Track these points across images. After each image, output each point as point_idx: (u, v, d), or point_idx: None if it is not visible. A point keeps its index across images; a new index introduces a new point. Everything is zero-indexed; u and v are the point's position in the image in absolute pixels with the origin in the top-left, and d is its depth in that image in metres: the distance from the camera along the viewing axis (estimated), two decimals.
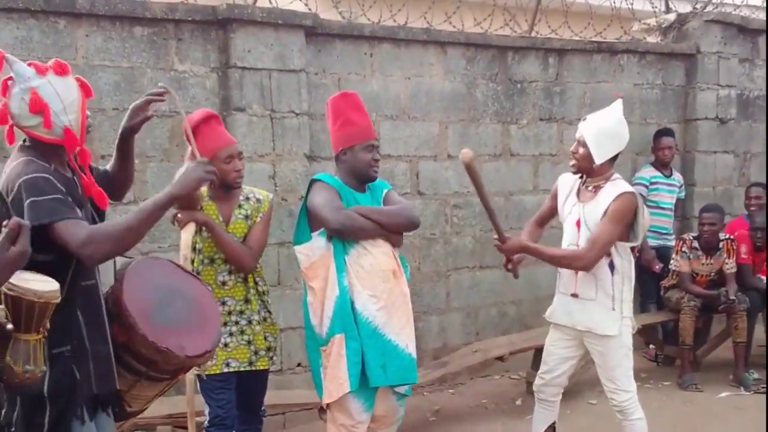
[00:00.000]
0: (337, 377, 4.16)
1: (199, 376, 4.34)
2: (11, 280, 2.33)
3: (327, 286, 4.20)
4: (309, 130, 6.25)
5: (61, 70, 3.02)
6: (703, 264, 7.35)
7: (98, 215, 3.24)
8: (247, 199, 4.47)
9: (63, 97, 2.99)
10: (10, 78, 2.98)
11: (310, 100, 6.28)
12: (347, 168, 4.34)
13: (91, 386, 3.04)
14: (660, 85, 8.41)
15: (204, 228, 4.27)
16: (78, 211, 2.94)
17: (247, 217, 4.42)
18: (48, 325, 2.47)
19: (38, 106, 2.92)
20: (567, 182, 4.75)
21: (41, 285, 2.41)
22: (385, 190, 4.49)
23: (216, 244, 4.31)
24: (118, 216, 5.28)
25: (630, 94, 8.12)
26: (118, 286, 3.08)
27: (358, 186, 4.37)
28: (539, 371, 4.89)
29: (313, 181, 4.36)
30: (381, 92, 6.77)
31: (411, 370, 4.31)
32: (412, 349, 4.32)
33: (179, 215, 4.22)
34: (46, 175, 2.90)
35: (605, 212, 4.45)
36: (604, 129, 4.50)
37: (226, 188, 4.35)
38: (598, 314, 4.54)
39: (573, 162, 4.60)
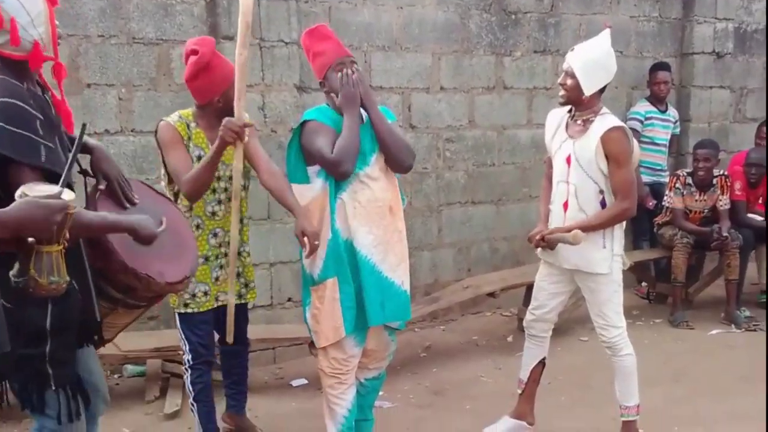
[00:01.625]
0: (332, 321, 4.12)
1: (178, 311, 4.27)
2: (27, 192, 2.33)
3: (321, 228, 4.10)
4: (299, 60, 6.05)
5: None
6: (696, 200, 7.27)
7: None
8: None
9: (29, 9, 2.79)
10: None
11: (300, 29, 6.06)
12: (332, 93, 4.20)
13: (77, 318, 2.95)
14: (656, 17, 8.23)
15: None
16: (48, 145, 2.75)
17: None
18: (68, 236, 2.43)
19: (2, 22, 2.74)
20: (554, 118, 4.65)
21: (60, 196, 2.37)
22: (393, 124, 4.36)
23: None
24: None
25: (626, 26, 7.97)
26: (91, 209, 2.96)
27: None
28: (529, 307, 4.85)
29: (303, 123, 4.19)
30: (372, 22, 6.57)
31: (406, 307, 4.29)
32: (407, 286, 4.29)
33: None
34: (21, 104, 2.72)
35: (604, 153, 4.36)
36: (593, 59, 4.40)
37: (226, 115, 4.15)
38: (589, 253, 4.48)
39: (561, 93, 4.48)
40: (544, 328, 4.79)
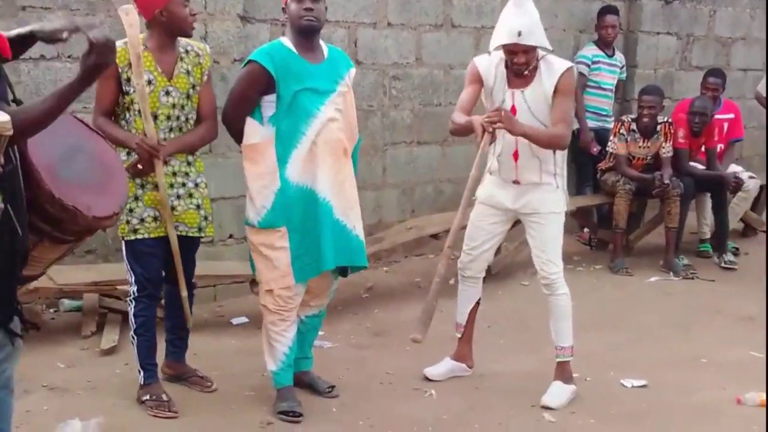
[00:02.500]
0: (277, 268, 4.17)
1: (125, 239, 4.18)
2: None
3: (264, 176, 4.12)
4: None
5: None
6: (640, 147, 7.29)
7: None
8: (186, 52, 4.23)
9: None
10: None
11: None
12: (289, 24, 4.19)
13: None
14: None
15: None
16: None
17: (188, 72, 4.20)
18: (2, 160, 2.33)
19: None
20: (488, 67, 4.53)
21: None
22: (350, 71, 4.36)
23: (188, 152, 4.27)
24: None
25: None
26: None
27: (311, 53, 4.18)
28: (465, 248, 4.83)
29: (247, 62, 4.19)
30: None
31: (359, 253, 4.30)
32: (359, 232, 4.29)
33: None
34: None
35: (556, 90, 4.35)
36: (534, 20, 4.33)
37: (175, 36, 4.13)
38: (544, 195, 4.53)
39: (522, 70, 4.38)
40: (480, 269, 4.81)
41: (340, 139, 4.19)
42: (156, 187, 4.13)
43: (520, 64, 4.36)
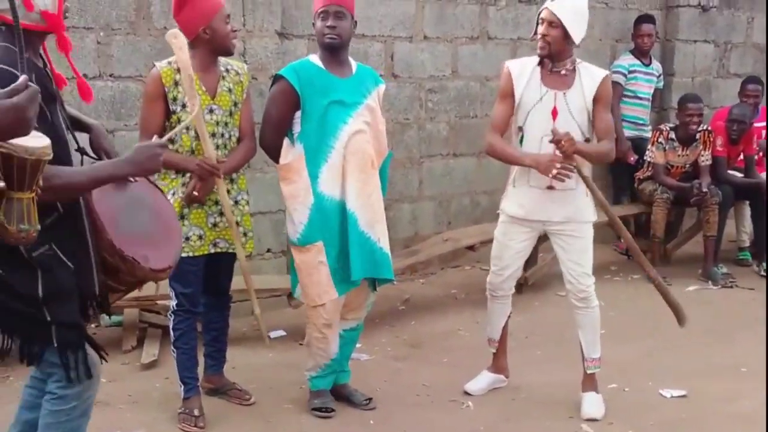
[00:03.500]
0: (319, 283, 4.25)
1: None
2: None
3: (299, 193, 4.19)
4: (281, 5, 5.98)
5: None
6: (678, 155, 7.25)
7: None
8: (227, 70, 4.30)
9: None
10: None
11: None
12: (317, 41, 4.29)
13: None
14: None
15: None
16: (46, 114, 2.68)
17: (230, 90, 4.26)
18: (41, 183, 2.35)
19: None
20: (521, 70, 4.49)
21: (32, 141, 2.28)
22: (379, 87, 4.42)
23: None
24: None
25: None
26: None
27: (339, 68, 4.25)
28: (493, 269, 4.74)
29: (275, 79, 4.28)
30: None
31: (384, 266, 4.36)
32: (383, 245, 4.34)
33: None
34: (17, 72, 2.62)
35: (596, 98, 4.36)
36: (578, 8, 4.36)
37: (217, 54, 4.19)
38: (578, 202, 4.49)
39: (542, 45, 4.38)
40: (510, 286, 4.77)
41: (368, 151, 4.25)
42: (202, 204, 4.20)
43: (544, 35, 4.35)
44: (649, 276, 4.61)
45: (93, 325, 5.64)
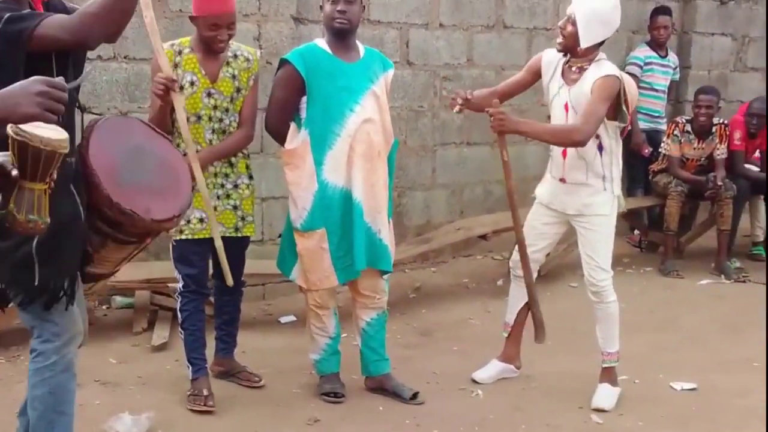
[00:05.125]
0: (320, 269, 4.28)
1: (172, 239, 4.28)
2: (19, 125, 2.22)
3: (303, 179, 4.19)
4: None
5: None
6: (694, 148, 7.21)
7: None
8: (235, 56, 4.26)
9: None
10: None
11: None
12: (323, 24, 4.27)
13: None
14: None
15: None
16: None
17: (234, 77, 4.23)
18: (55, 176, 2.34)
19: None
20: (551, 60, 4.52)
21: (49, 132, 2.27)
22: (387, 72, 4.38)
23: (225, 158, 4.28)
24: None
25: None
26: (84, 143, 2.91)
27: (346, 52, 4.23)
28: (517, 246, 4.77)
29: (280, 63, 4.25)
30: None
31: (383, 257, 4.37)
32: (384, 235, 4.35)
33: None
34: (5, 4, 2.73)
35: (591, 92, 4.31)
36: (598, 12, 4.28)
37: (204, 38, 4.14)
38: (590, 196, 4.46)
39: (560, 39, 4.40)
40: (531, 268, 4.75)
41: (375, 141, 4.24)
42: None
43: (561, 28, 4.36)
44: (525, 283, 4.60)
45: (104, 307, 5.68)
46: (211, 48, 4.13)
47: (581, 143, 4.28)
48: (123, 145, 3.03)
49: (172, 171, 3.19)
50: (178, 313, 4.36)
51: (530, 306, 4.64)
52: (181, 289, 4.31)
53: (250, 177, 4.43)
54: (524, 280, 4.58)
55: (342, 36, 4.20)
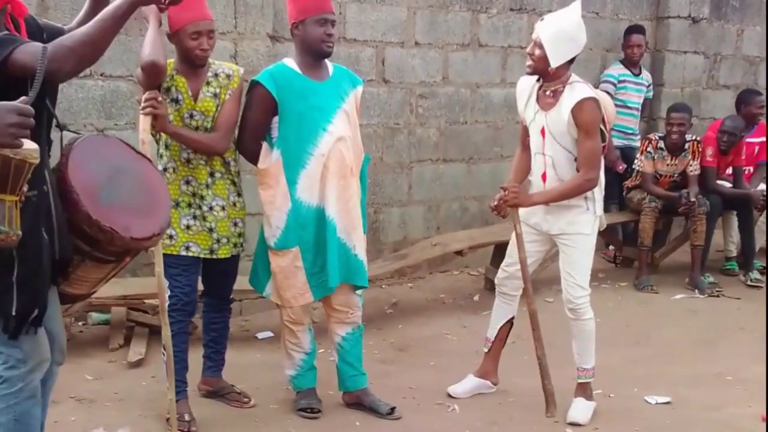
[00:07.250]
0: (295, 287, 4.30)
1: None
2: None
3: (276, 198, 4.21)
4: (273, 8, 5.98)
5: None
6: (667, 165, 7.29)
7: None
8: (216, 75, 4.24)
9: None
10: None
11: None
12: (300, 44, 4.23)
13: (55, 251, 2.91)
14: None
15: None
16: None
17: (215, 95, 4.21)
18: (26, 189, 2.36)
19: None
20: (525, 87, 4.58)
21: None
22: (357, 89, 4.41)
23: (185, 145, 4.17)
24: None
25: None
26: (63, 161, 2.91)
27: (316, 71, 4.24)
28: (503, 264, 4.84)
29: (251, 85, 4.25)
30: None
31: (358, 273, 4.38)
32: (359, 251, 4.37)
33: (142, 101, 3.94)
34: None
35: (575, 124, 4.33)
36: (562, 31, 4.32)
37: (190, 64, 4.14)
38: (572, 217, 4.51)
39: (529, 63, 4.44)
40: (516, 286, 4.78)
41: (348, 158, 4.26)
42: (177, 205, 4.18)
43: (529, 53, 4.40)
44: (536, 353, 4.64)
45: (80, 323, 5.66)
46: (193, 63, 4.11)
47: (595, 185, 4.42)
48: (103, 164, 3.03)
49: (152, 190, 3.20)
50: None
51: (541, 377, 4.61)
52: (168, 308, 4.18)
53: (239, 194, 4.38)
54: (535, 352, 4.64)
55: (323, 58, 4.23)
